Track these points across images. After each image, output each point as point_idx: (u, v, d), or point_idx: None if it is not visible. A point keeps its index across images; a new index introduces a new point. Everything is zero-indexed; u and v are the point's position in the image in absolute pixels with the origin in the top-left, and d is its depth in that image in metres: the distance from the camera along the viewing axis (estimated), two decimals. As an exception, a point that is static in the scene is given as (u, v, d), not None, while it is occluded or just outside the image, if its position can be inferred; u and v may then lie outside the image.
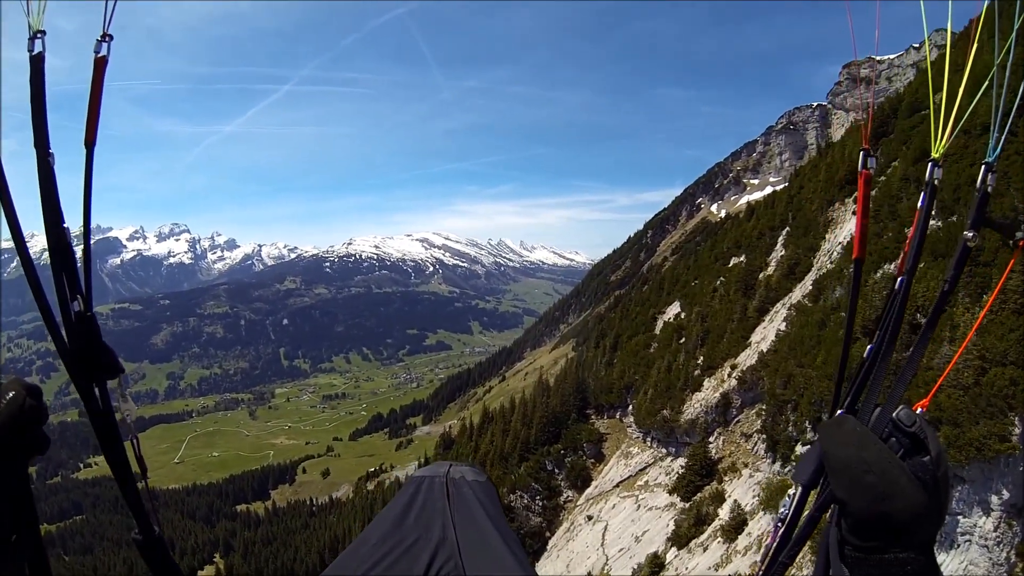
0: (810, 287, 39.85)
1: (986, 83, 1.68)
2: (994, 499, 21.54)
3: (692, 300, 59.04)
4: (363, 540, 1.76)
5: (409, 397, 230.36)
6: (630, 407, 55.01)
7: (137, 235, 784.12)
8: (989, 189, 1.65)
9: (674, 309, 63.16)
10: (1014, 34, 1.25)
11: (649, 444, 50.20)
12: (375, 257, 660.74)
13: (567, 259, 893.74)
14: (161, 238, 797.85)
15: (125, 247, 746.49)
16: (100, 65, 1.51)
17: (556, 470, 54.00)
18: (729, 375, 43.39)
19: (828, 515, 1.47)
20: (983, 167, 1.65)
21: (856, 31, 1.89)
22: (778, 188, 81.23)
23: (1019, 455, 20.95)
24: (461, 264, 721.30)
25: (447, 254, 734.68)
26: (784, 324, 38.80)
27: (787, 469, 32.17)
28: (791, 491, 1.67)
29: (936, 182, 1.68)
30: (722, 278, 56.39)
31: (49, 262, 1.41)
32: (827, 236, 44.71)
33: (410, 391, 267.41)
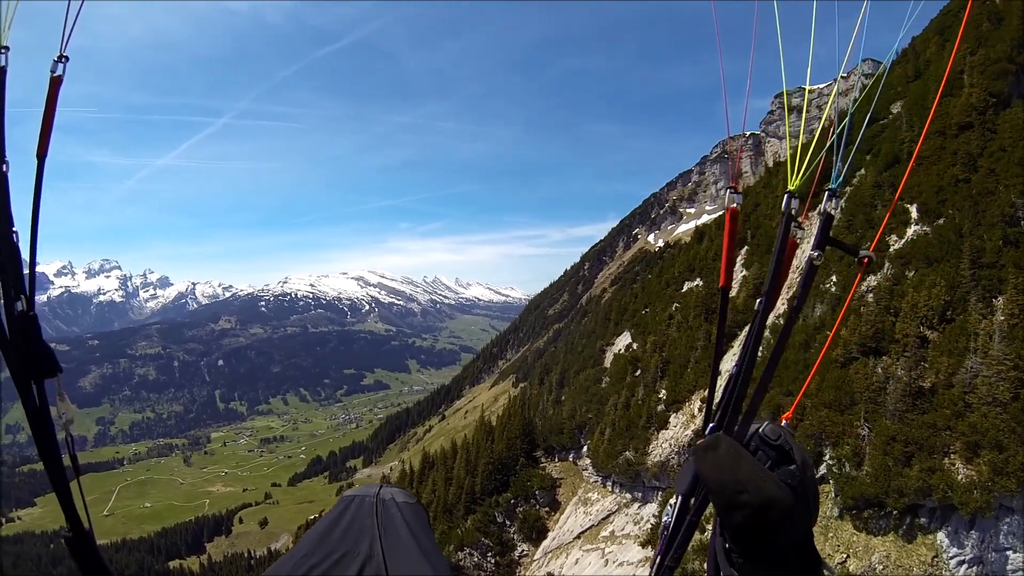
0: (784, 307, 36.07)
1: (840, 126, 1.90)
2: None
3: (644, 329, 55.30)
4: (292, 553, 1.79)
5: (349, 438, 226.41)
6: (584, 449, 50.69)
7: (65, 271, 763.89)
8: (832, 212, 1.83)
9: (624, 340, 59.80)
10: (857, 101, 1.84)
11: (610, 489, 45.67)
12: (311, 296, 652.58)
13: (502, 295, 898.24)
14: (91, 275, 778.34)
15: (52, 283, 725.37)
16: (56, 84, 1.65)
17: (507, 522, 48.70)
18: (700, 410, 39.20)
19: (712, 524, 1.63)
20: (826, 192, 1.82)
21: (786, 64, 2.09)
22: (716, 215, 78.42)
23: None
24: (397, 302, 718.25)
25: (383, 292, 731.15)
26: (761, 349, 34.58)
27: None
28: (672, 500, 1.82)
29: (792, 211, 1.83)
30: (677, 304, 52.64)
31: None
32: (795, 252, 41.39)
33: (349, 432, 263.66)
